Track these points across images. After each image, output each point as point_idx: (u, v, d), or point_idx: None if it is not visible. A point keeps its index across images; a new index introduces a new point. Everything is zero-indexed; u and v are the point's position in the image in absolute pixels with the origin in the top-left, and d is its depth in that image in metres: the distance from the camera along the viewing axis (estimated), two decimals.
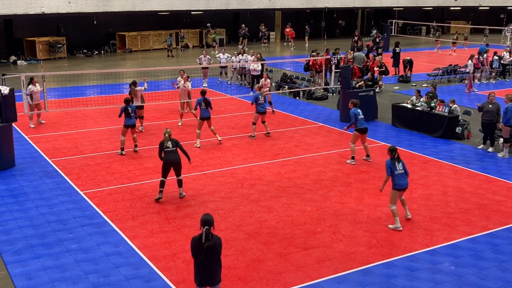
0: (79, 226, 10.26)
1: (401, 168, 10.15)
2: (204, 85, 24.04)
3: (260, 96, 15.95)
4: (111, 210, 10.95)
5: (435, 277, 8.61)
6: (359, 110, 13.76)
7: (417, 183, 12.60)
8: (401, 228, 10.17)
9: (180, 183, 11.52)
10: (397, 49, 26.42)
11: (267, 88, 18.75)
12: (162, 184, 11.39)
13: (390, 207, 10.29)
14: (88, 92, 22.54)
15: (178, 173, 11.39)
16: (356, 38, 34.82)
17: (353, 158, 13.89)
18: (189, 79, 18.43)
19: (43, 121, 17.65)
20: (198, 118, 15.41)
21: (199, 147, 15.10)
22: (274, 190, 12.10)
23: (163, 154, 11.22)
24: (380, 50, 26.95)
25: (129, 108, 14.38)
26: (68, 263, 8.92)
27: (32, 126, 17.10)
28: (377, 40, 33.19)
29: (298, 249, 9.45)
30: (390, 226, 10.27)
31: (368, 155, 14.10)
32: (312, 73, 23.58)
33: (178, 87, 18.01)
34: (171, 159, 11.16)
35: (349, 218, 10.68)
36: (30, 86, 16.81)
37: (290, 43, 38.94)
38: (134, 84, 16.62)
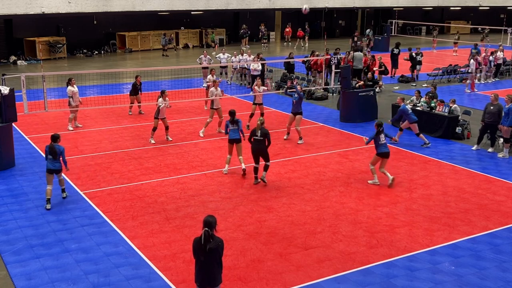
0: (79, 226, 10.26)
1: (384, 139, 12.41)
2: (204, 85, 24.01)
3: (407, 107, 15.58)
4: (111, 210, 10.95)
5: (435, 277, 8.61)
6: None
7: (417, 183, 12.60)
8: (378, 183, 12.44)
9: (266, 167, 12.30)
10: (395, 50, 26.33)
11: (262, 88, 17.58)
12: (255, 170, 12.38)
13: (369, 167, 12.63)
14: (88, 92, 22.53)
15: (265, 159, 12.24)
16: (355, 38, 34.86)
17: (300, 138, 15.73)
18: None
19: (80, 125, 17.31)
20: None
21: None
22: (274, 190, 12.09)
23: (252, 139, 12.21)
24: (367, 49, 26.86)
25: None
26: (68, 263, 8.92)
27: (71, 129, 16.92)
28: (368, 40, 33.25)
29: (298, 249, 9.45)
30: (369, 181, 12.55)
31: (288, 134, 16.00)
32: (314, 73, 23.58)
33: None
34: (256, 148, 12.16)
35: (349, 218, 10.68)
36: (70, 87, 16.75)
37: (303, 43, 39.17)
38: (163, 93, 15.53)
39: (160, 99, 15.31)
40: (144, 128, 17.10)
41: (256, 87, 17.17)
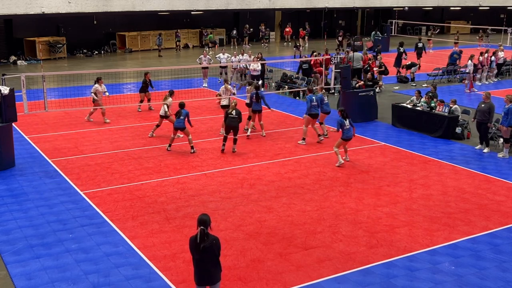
0: (79, 226, 10.26)
1: (348, 124, 13.45)
2: (204, 85, 24.06)
3: (324, 97, 16.08)
4: (111, 210, 10.95)
5: (435, 277, 8.62)
6: (313, 97, 15.45)
7: (417, 183, 12.60)
8: (343, 162, 13.59)
9: (235, 141, 14.56)
10: (401, 49, 26.29)
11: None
12: (225, 139, 14.59)
13: (334, 149, 13.70)
14: (88, 92, 22.49)
15: (235, 134, 14.45)
16: (340, 38, 35.12)
17: (304, 139, 15.54)
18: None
19: (108, 120, 17.84)
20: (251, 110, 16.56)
21: (248, 136, 16.17)
22: (274, 190, 12.10)
23: (228, 117, 14.23)
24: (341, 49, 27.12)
25: (182, 111, 14.43)
26: (68, 263, 8.92)
27: (91, 120, 17.90)
28: (355, 42, 33.29)
29: (298, 249, 9.45)
30: (336, 164, 13.56)
31: (319, 135, 15.70)
32: (316, 76, 23.48)
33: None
34: (232, 124, 14.26)
35: (349, 218, 10.68)
36: (96, 85, 17.46)
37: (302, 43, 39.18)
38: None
39: (170, 99, 15.92)
40: (144, 128, 17.10)
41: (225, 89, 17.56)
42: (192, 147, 14.71)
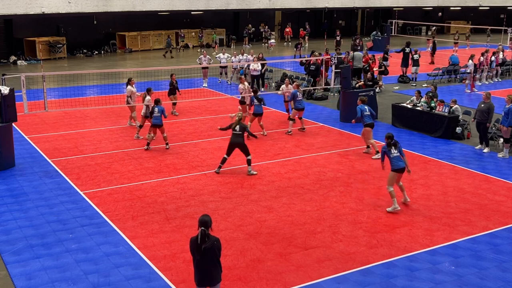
0: (79, 226, 10.26)
1: (397, 152, 10.87)
2: (204, 85, 24.07)
3: (298, 93, 16.34)
4: (111, 210, 10.95)
5: (435, 277, 8.62)
6: (365, 107, 14.55)
7: (417, 183, 12.60)
8: (399, 208, 10.93)
9: (248, 162, 12.86)
10: (407, 50, 26.22)
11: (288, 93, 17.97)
12: (223, 160, 12.92)
13: (387, 189, 10.97)
14: (88, 92, 22.55)
15: (246, 153, 12.81)
16: (338, 37, 35.17)
17: (378, 152, 13.93)
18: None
19: (134, 124, 16.95)
20: (251, 113, 16.37)
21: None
22: (274, 190, 12.09)
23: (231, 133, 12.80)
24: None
25: (156, 108, 14.50)
26: (68, 263, 8.92)
27: (132, 124, 17.15)
28: (357, 41, 33.22)
29: (298, 249, 9.45)
30: (388, 209, 10.95)
31: (377, 152, 14.01)
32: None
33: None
34: (235, 141, 12.64)
35: (349, 218, 10.68)
36: (129, 87, 16.61)
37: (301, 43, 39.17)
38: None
39: (148, 98, 15.61)
40: (144, 128, 17.07)
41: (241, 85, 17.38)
42: (167, 144, 14.98)
